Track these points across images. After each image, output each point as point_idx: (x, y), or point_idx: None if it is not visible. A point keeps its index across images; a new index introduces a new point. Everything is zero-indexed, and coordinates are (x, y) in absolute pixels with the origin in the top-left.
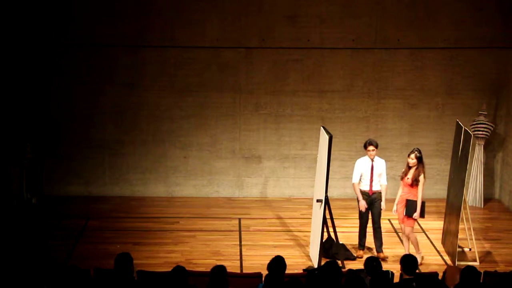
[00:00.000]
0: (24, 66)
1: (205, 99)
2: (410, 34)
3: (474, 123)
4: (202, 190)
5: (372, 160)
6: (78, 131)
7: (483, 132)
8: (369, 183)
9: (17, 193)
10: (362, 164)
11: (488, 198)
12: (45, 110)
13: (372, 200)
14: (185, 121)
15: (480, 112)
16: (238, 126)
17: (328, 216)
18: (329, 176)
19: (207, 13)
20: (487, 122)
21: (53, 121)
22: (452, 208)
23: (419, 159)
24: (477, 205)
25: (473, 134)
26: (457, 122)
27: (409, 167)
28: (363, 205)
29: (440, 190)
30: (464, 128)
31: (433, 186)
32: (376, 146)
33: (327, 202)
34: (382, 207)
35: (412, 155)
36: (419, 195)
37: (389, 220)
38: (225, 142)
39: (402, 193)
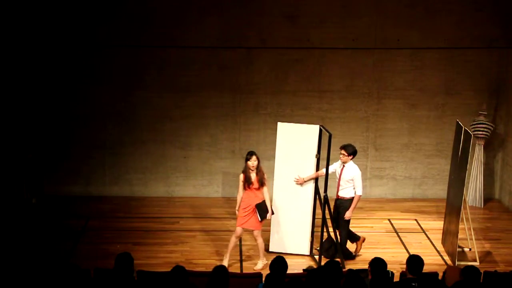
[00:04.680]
0: (24, 66)
1: (205, 99)
2: (410, 34)
3: (474, 123)
4: (202, 190)
5: (343, 165)
6: (78, 131)
7: (483, 132)
8: (336, 187)
9: (17, 193)
10: (335, 165)
11: (488, 198)
12: (45, 110)
13: (338, 205)
14: (185, 121)
15: (480, 112)
16: (238, 126)
17: (328, 216)
18: (329, 176)
19: (207, 13)
20: (487, 122)
21: (53, 121)
22: (452, 208)
23: (259, 161)
24: (477, 205)
25: (473, 134)
26: (457, 122)
27: (251, 171)
28: None
29: (440, 190)
30: (464, 128)
31: (433, 186)
32: (349, 153)
33: (326, 202)
34: (346, 216)
35: (254, 157)
36: (266, 196)
37: (389, 220)
38: (225, 142)
39: (246, 198)
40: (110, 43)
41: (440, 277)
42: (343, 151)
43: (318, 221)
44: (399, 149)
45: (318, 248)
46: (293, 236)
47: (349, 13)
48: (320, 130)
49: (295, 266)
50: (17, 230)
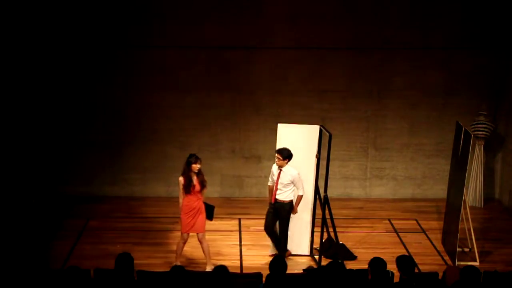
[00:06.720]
0: (24, 66)
1: (205, 99)
2: (410, 34)
3: (474, 123)
4: None
5: (279, 169)
6: (78, 131)
7: (483, 132)
8: (273, 190)
9: (17, 193)
10: (273, 170)
11: (488, 198)
12: (45, 110)
13: (276, 208)
14: (185, 121)
15: (480, 112)
16: (238, 126)
17: (328, 216)
18: (329, 176)
19: (207, 13)
20: (487, 122)
21: (53, 121)
22: (452, 208)
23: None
24: (477, 205)
25: (473, 134)
26: (457, 122)
27: (195, 174)
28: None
29: (440, 190)
30: (464, 128)
31: (433, 186)
32: (284, 157)
33: (327, 202)
34: (290, 215)
35: (198, 161)
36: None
37: (389, 220)
38: (225, 142)
39: (188, 202)
40: (110, 44)
41: (440, 277)
42: (278, 155)
43: (318, 221)
44: (399, 149)
45: (318, 248)
46: (293, 236)
47: (349, 13)
48: (320, 130)
49: (295, 266)
50: (17, 230)
